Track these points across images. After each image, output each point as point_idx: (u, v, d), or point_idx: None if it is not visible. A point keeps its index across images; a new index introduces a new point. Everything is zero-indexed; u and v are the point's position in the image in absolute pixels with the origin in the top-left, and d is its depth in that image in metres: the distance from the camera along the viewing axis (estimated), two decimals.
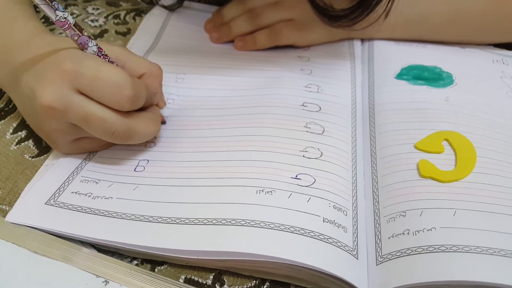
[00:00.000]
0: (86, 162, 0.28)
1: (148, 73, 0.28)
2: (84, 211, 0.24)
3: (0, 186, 0.27)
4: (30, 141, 0.30)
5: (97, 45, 0.25)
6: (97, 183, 0.26)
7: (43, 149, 0.30)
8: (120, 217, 0.24)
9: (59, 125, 0.25)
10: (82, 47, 0.25)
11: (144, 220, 0.24)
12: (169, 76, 0.34)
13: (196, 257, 0.22)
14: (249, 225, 0.22)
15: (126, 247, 0.23)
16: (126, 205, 0.25)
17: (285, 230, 0.22)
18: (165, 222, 0.23)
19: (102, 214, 0.24)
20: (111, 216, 0.24)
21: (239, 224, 0.22)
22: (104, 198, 0.25)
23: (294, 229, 0.22)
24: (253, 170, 0.26)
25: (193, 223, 0.23)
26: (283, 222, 0.23)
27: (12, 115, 0.32)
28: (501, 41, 0.39)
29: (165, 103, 0.30)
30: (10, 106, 0.32)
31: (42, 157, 0.29)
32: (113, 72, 0.24)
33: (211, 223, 0.23)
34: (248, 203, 0.24)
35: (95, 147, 0.28)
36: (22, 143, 0.30)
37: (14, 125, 0.31)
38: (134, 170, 0.27)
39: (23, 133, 0.31)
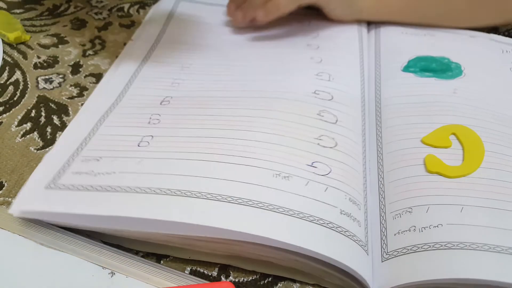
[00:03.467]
0: (87, 142, 0.27)
1: None
2: (86, 189, 0.23)
3: (6, 179, 0.27)
4: (35, 133, 0.30)
5: None
6: (98, 160, 0.25)
7: (48, 141, 0.30)
8: (124, 191, 0.23)
9: None
10: None
11: (150, 192, 0.22)
12: (175, 66, 0.33)
13: (204, 234, 0.21)
14: (267, 209, 0.22)
15: (128, 224, 0.22)
16: (130, 178, 0.23)
17: (304, 218, 0.22)
18: (174, 194, 0.22)
19: (105, 190, 0.23)
20: (114, 190, 0.23)
21: (256, 206, 0.22)
22: (106, 173, 0.24)
23: (313, 219, 0.22)
24: (268, 152, 0.25)
25: (205, 197, 0.22)
26: (301, 210, 0.22)
27: (17, 107, 0.32)
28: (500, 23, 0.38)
29: None
30: (15, 99, 0.32)
31: (47, 149, 0.29)
32: None
33: (226, 200, 0.22)
34: (265, 186, 0.23)
35: None
36: (27, 136, 0.30)
37: (19, 117, 0.31)
38: (138, 145, 0.26)
39: (28, 126, 0.31)
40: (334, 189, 0.24)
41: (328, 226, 0.22)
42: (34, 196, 0.24)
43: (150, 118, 0.28)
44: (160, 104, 0.30)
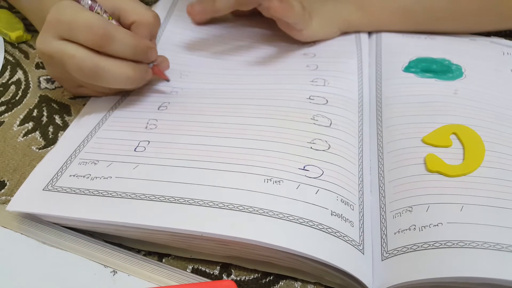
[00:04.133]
0: (84, 144, 0.27)
1: (138, 21, 0.29)
2: (83, 193, 0.24)
3: (8, 177, 0.27)
4: (37, 132, 0.30)
5: None
6: (95, 163, 0.26)
7: (50, 140, 0.30)
8: (120, 196, 0.23)
9: (57, 71, 0.29)
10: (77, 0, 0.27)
11: (145, 199, 0.23)
12: (174, 72, 0.34)
13: (201, 234, 0.22)
14: (257, 213, 0.22)
15: (127, 226, 0.22)
16: (126, 184, 0.24)
17: (294, 221, 0.22)
18: (168, 201, 0.23)
19: (101, 195, 0.24)
20: (110, 196, 0.23)
21: (247, 211, 0.22)
22: (103, 178, 0.24)
23: (303, 221, 0.22)
24: (260, 159, 0.25)
25: (198, 204, 0.23)
26: (291, 212, 0.22)
27: (19, 107, 0.32)
28: (500, 28, 0.37)
29: (157, 57, 0.31)
30: (17, 98, 0.33)
31: (49, 148, 0.29)
32: (88, 15, 0.26)
33: (218, 207, 0.22)
34: (256, 191, 0.23)
35: (94, 93, 0.31)
36: (29, 135, 0.30)
37: (21, 117, 0.31)
38: (135, 150, 0.27)
39: (30, 125, 0.31)
40: (325, 191, 0.24)
41: (318, 228, 0.22)
42: (31, 197, 0.24)
43: (147, 123, 0.29)
44: (158, 109, 0.31)
